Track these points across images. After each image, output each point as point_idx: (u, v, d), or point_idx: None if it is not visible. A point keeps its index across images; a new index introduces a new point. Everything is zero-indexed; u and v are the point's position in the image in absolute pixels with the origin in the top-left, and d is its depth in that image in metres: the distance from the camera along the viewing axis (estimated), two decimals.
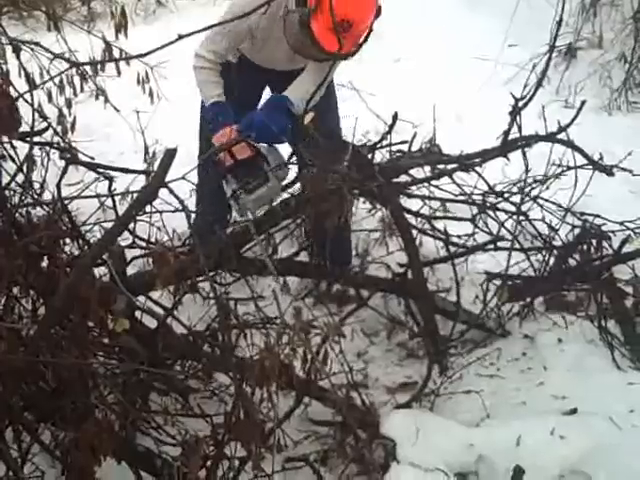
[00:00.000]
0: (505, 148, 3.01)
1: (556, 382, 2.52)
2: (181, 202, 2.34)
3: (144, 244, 2.76)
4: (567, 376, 2.57)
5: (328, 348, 2.52)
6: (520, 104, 2.93)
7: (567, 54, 5.57)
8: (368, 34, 2.82)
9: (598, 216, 3.08)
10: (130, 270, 2.71)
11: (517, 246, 3.04)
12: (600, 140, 4.15)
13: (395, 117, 2.94)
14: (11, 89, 1.89)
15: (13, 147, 2.34)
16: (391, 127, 2.97)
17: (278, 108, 2.89)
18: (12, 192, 2.29)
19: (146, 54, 2.03)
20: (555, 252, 3.05)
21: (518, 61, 5.40)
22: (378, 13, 2.74)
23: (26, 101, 2.24)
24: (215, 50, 3.03)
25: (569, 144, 3.11)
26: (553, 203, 3.15)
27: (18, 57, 2.76)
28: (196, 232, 2.48)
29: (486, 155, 3.06)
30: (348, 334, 2.90)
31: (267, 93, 3.35)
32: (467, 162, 3.01)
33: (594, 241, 3.00)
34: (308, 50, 2.79)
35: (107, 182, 2.81)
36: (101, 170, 2.68)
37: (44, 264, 2.23)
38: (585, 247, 3.01)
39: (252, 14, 2.49)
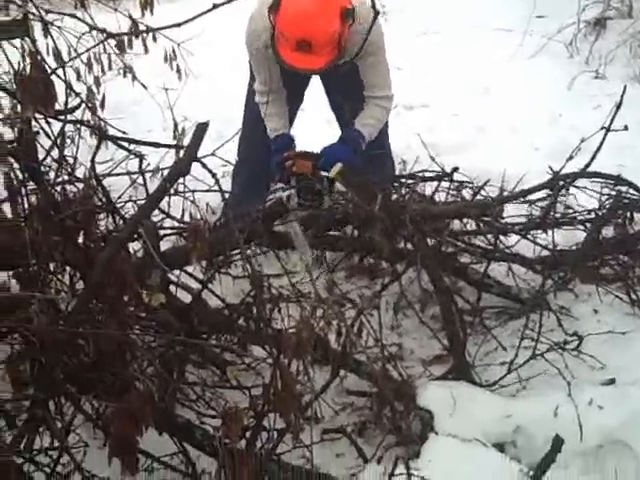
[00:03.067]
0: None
1: (593, 353, 2.49)
2: (214, 175, 2.36)
3: (177, 221, 2.76)
4: (604, 347, 2.55)
5: (363, 320, 2.53)
6: None
7: (597, 24, 5.49)
8: (342, 41, 2.98)
9: (631, 184, 3.02)
10: (164, 246, 2.72)
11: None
12: (630, 110, 4.10)
13: (455, 170, 3.14)
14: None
15: (48, 123, 2.34)
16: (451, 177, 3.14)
17: (353, 148, 3.18)
18: (48, 168, 2.30)
19: (182, 23, 2.03)
20: (589, 223, 3.00)
21: (546, 32, 5.35)
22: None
23: (58, 76, 2.25)
24: (264, 80, 3.29)
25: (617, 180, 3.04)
26: (588, 174, 3.08)
27: (48, 34, 2.76)
28: (230, 206, 2.50)
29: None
30: (382, 307, 2.88)
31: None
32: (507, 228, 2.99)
33: (629, 212, 2.97)
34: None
35: (137, 160, 2.83)
36: (132, 147, 2.67)
37: (80, 239, 2.25)
38: (620, 218, 2.98)
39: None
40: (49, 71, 1.93)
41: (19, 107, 2.01)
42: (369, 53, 3.12)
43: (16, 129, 2.06)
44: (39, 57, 1.77)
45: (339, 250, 3.17)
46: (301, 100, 3.55)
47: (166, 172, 2.24)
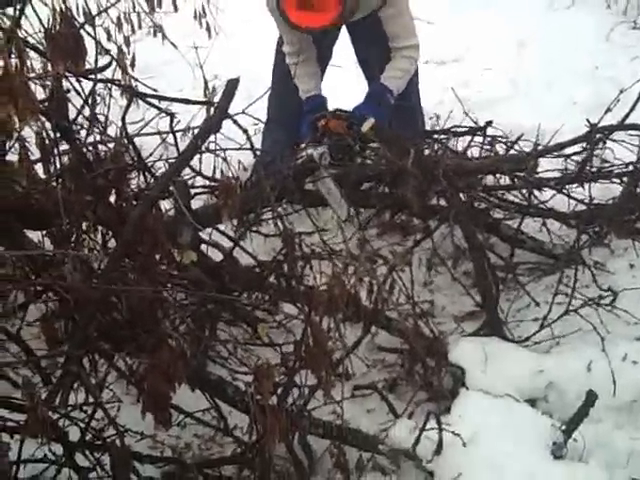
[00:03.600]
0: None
1: (628, 308, 2.47)
2: (245, 132, 2.35)
3: (208, 179, 2.76)
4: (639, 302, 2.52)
5: (394, 277, 2.52)
6: None
7: None
8: None
9: None
10: (195, 204, 2.73)
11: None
12: None
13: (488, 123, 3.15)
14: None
15: (79, 82, 2.35)
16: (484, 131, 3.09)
17: (382, 105, 3.12)
18: (79, 127, 2.31)
19: None
20: (626, 177, 2.95)
21: None
22: None
23: (88, 34, 2.25)
24: (288, 42, 3.28)
25: None
26: (625, 127, 3.01)
27: None
28: (261, 164, 2.50)
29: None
30: (414, 264, 2.87)
31: None
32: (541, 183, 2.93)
33: None
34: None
35: (168, 119, 2.82)
36: (163, 105, 2.67)
37: (112, 198, 2.27)
38: None
39: None
40: (78, 26, 1.92)
41: (49, 66, 2.00)
42: (389, 4, 3.07)
43: (47, 88, 2.07)
44: (69, 13, 1.76)
45: (371, 207, 3.14)
46: (330, 56, 3.51)
47: (197, 131, 2.24)
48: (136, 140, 2.64)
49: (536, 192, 2.98)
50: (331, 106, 3.29)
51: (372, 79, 3.31)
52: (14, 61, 1.70)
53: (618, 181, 2.98)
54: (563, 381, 2.28)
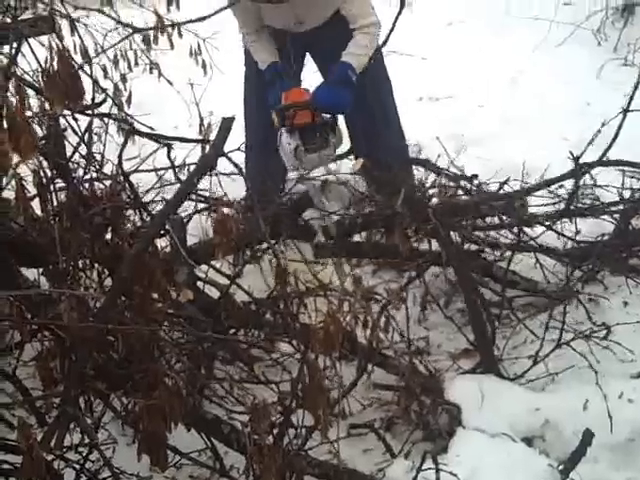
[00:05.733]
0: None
1: (623, 345, 2.47)
2: (239, 169, 2.36)
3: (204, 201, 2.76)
4: (634, 339, 2.51)
5: (389, 315, 2.52)
6: None
7: (625, 11, 5.42)
8: None
9: None
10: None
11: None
12: None
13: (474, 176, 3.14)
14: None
15: (75, 119, 2.36)
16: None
17: (344, 83, 3.19)
18: (76, 165, 2.32)
19: (207, 17, 2.04)
20: (618, 214, 2.97)
21: (573, 20, 5.29)
22: None
23: (85, 72, 2.27)
24: (243, 23, 3.39)
25: None
26: (610, 162, 3.04)
27: (75, 31, 2.78)
28: (251, 197, 2.51)
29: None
30: (409, 299, 2.88)
31: None
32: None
33: None
34: None
35: (165, 155, 2.84)
36: (161, 140, 2.69)
37: (108, 236, 2.27)
38: None
39: None
40: (76, 67, 1.94)
41: (47, 104, 2.02)
42: None
43: (44, 126, 2.08)
44: (66, 53, 1.77)
45: (364, 257, 3.15)
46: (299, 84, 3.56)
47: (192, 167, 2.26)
48: (133, 176, 2.65)
49: (527, 229, 2.99)
50: None
51: None
52: (12, 99, 1.72)
53: (610, 217, 3.00)
54: (559, 419, 2.27)
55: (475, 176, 3.14)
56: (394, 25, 2.96)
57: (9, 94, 1.71)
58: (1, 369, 2.32)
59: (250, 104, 3.65)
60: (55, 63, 1.85)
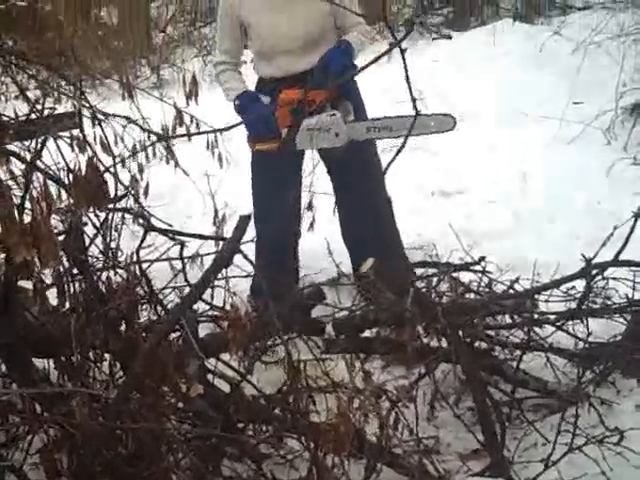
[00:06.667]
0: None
1: (636, 451, 2.44)
2: (254, 266, 2.40)
3: (217, 308, 2.79)
4: None
5: (399, 412, 2.51)
6: None
7: (634, 110, 5.51)
8: None
9: None
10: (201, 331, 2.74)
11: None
12: None
13: (482, 259, 3.16)
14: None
15: (96, 215, 2.42)
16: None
17: (343, 50, 3.29)
18: (94, 259, 2.36)
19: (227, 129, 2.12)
20: (630, 314, 2.97)
21: (583, 119, 5.39)
22: None
23: (109, 171, 2.33)
24: (225, 50, 3.52)
25: None
26: (621, 263, 3.05)
27: (99, 125, 2.87)
28: (258, 292, 2.53)
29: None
30: (419, 397, 2.86)
31: None
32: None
33: None
34: None
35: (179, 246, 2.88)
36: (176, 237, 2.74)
37: (122, 328, 2.30)
38: None
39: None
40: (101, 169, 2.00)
41: (71, 199, 2.07)
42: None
43: (66, 222, 2.13)
44: (94, 158, 1.84)
45: (374, 353, 3.15)
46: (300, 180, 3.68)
47: (205, 258, 2.30)
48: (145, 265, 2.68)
49: (537, 329, 2.99)
50: None
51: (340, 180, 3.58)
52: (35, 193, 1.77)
53: (621, 318, 3.00)
54: None
55: (483, 258, 3.16)
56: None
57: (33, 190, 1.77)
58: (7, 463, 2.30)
59: (259, 192, 3.71)
60: (80, 163, 1.92)
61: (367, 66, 2.10)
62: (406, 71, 2.11)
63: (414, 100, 2.46)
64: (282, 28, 3.34)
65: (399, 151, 2.21)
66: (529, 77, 6.29)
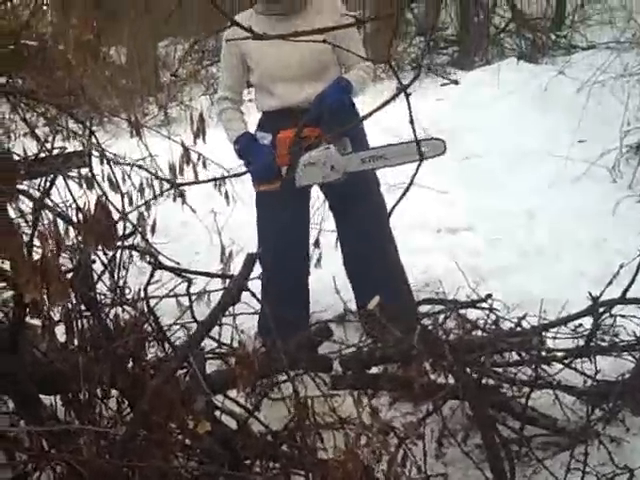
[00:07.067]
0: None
1: None
2: (262, 304, 2.41)
3: (224, 345, 2.79)
4: None
5: (407, 449, 2.49)
6: None
7: (639, 149, 5.54)
8: None
9: None
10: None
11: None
12: None
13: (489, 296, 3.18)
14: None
15: (105, 253, 2.44)
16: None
17: (340, 87, 3.33)
18: (102, 296, 2.37)
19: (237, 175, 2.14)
20: (639, 352, 2.96)
21: (588, 157, 5.42)
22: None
23: (118, 211, 2.36)
24: (228, 86, 3.56)
25: None
26: (628, 300, 3.05)
27: (108, 164, 2.90)
28: (265, 329, 2.52)
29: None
30: (427, 433, 2.84)
31: None
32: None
33: None
34: None
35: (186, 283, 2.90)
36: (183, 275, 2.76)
37: (129, 365, 2.30)
38: None
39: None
40: (111, 209, 2.02)
41: (79, 237, 2.09)
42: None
43: (74, 259, 2.15)
44: (102, 195, 1.86)
45: (380, 389, 3.14)
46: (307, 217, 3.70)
47: (212, 295, 2.31)
48: (153, 301, 2.69)
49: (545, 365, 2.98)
50: None
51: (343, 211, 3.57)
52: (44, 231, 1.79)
53: (629, 356, 2.99)
54: None
55: (489, 295, 3.16)
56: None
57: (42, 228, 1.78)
58: None
59: (264, 228, 3.68)
60: (91, 204, 1.94)
61: (374, 112, 2.10)
62: (410, 115, 2.11)
63: (418, 142, 2.49)
64: (283, 56, 3.37)
65: (405, 191, 2.21)
66: (534, 116, 6.34)
